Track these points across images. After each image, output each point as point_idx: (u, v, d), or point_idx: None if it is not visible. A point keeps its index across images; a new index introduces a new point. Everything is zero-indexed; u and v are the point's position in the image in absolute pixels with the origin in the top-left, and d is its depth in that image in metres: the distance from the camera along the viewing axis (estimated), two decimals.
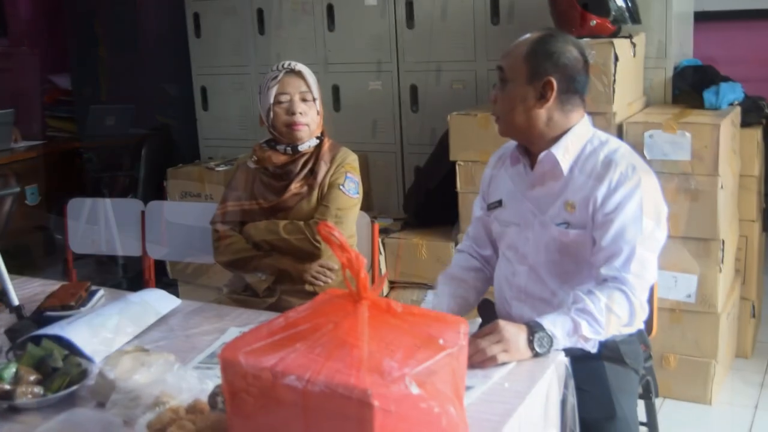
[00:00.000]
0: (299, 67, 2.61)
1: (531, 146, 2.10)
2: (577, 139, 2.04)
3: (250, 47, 4.66)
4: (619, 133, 3.19)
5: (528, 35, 2.07)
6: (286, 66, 2.61)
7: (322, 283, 2.60)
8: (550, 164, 2.05)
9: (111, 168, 5.18)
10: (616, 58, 3.18)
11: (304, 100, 2.58)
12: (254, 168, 2.69)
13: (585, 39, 3.24)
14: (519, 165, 2.15)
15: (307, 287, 2.60)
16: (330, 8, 4.35)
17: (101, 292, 2.34)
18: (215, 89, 4.85)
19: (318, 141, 2.66)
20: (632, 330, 1.99)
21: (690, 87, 3.54)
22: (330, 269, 2.61)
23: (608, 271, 1.92)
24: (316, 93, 2.61)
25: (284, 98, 2.58)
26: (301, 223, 2.59)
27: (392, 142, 4.32)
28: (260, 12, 4.58)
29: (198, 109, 4.94)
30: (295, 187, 2.61)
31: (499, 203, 2.19)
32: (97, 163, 5.17)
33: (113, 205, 3.43)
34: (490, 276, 2.29)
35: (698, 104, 3.44)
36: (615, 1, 3.40)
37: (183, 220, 3.24)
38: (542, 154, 2.04)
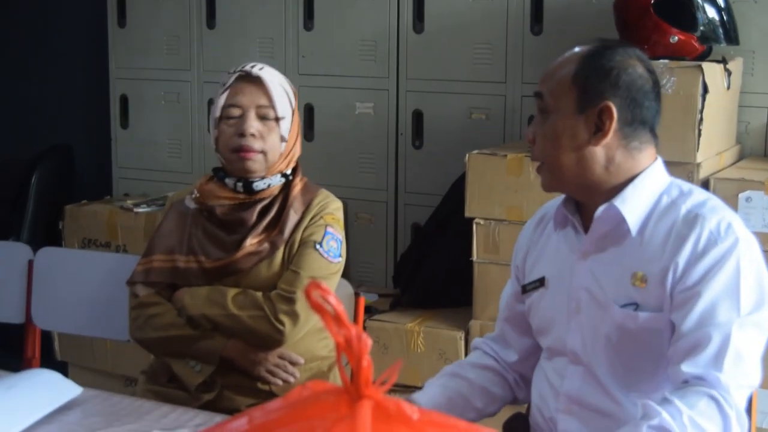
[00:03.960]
0: (260, 71, 2.60)
1: (585, 200, 2.09)
2: (648, 189, 2.03)
3: (194, 45, 4.67)
4: None
5: (576, 49, 2.07)
6: (243, 68, 2.60)
7: (280, 382, 2.56)
8: (612, 222, 2.03)
9: None
10: (705, 89, 3.18)
11: (262, 117, 2.58)
12: (195, 210, 2.65)
13: (662, 60, 3.25)
14: (567, 228, 2.14)
15: (260, 385, 2.56)
16: None
17: None
18: (140, 100, 4.84)
19: (285, 180, 2.64)
20: None
21: None
22: (293, 363, 2.58)
23: (692, 368, 1.88)
24: (282, 110, 2.59)
25: (234, 112, 2.58)
26: (258, 294, 2.55)
27: (383, 188, 4.31)
28: None
29: (114, 125, 4.91)
30: (251, 243, 2.58)
31: (541, 283, 2.17)
32: None
33: None
34: (515, 383, 2.28)
35: None
36: (705, 12, 3.42)
37: (85, 277, 3.18)
38: (600, 209, 2.02)
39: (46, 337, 3.88)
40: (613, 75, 2.00)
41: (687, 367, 1.88)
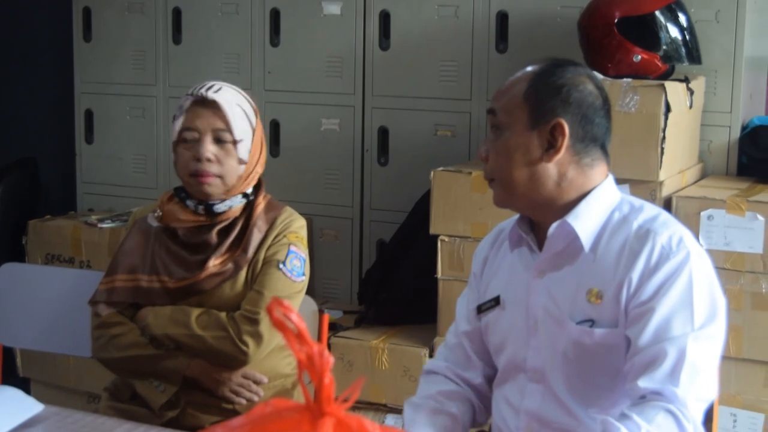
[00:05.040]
0: (216, 93, 2.55)
1: (538, 217, 2.10)
2: (600, 205, 2.05)
3: (160, 60, 4.66)
4: (667, 210, 3.19)
5: (528, 68, 2.10)
6: (197, 92, 2.56)
7: (244, 401, 2.56)
8: (566, 239, 2.04)
9: None
10: (668, 108, 3.21)
11: (218, 140, 2.55)
12: (157, 228, 2.65)
13: (625, 79, 3.28)
14: (522, 247, 2.15)
15: (224, 404, 2.56)
16: (275, 14, 4.38)
17: None
18: (105, 114, 4.82)
19: (245, 200, 2.64)
20: None
21: (762, 154, 3.59)
22: (257, 382, 2.58)
23: (649, 383, 1.89)
24: (240, 133, 2.56)
25: (190, 135, 2.55)
26: (222, 314, 2.55)
27: (349, 204, 4.31)
28: (177, 12, 4.60)
29: (79, 140, 4.89)
30: (215, 263, 2.57)
31: (496, 302, 2.17)
32: None
33: None
34: (480, 407, 2.25)
35: None
36: (668, 32, 3.45)
37: (48, 293, 3.16)
38: (553, 226, 2.04)
39: (8, 353, 3.86)
40: (563, 92, 2.03)
41: (644, 383, 1.89)
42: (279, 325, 1.29)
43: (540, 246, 2.10)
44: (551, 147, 2.01)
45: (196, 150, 2.53)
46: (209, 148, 2.53)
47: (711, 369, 1.93)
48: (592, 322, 2.00)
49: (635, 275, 1.96)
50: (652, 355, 1.90)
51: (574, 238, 2.03)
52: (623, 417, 1.85)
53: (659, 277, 1.94)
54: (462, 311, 2.29)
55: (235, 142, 2.55)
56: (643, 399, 1.89)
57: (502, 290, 2.16)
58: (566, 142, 2.01)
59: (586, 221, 2.02)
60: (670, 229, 1.99)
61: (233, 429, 1.33)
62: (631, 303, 1.96)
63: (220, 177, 2.55)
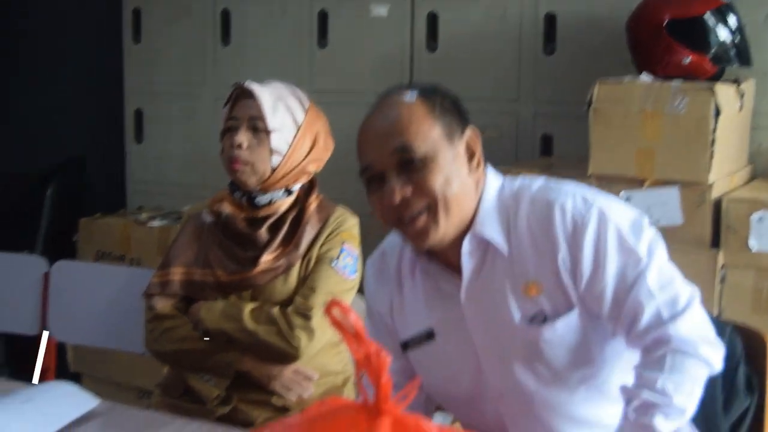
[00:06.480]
0: (254, 85, 2.60)
1: (452, 239, 1.98)
2: (492, 201, 1.97)
3: (208, 61, 4.69)
4: (717, 212, 3.17)
5: (393, 96, 2.00)
6: (245, 84, 2.61)
7: (294, 397, 2.58)
8: (480, 251, 1.97)
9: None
10: (718, 111, 3.18)
11: (253, 129, 2.58)
12: (211, 223, 2.67)
13: (674, 81, 3.25)
14: (431, 275, 2.05)
15: (275, 399, 2.57)
16: (323, 16, 4.39)
17: None
18: (155, 115, 4.87)
19: (287, 195, 2.66)
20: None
21: None
22: (308, 378, 2.59)
23: (641, 336, 1.88)
24: (275, 123, 2.57)
25: (233, 124, 2.61)
26: (275, 309, 2.56)
27: None
28: (226, 14, 4.63)
29: (129, 140, 4.94)
30: (267, 259, 2.59)
31: (429, 336, 2.06)
32: None
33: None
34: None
35: None
36: (717, 34, 3.42)
37: (99, 289, 3.20)
38: (466, 244, 1.96)
39: (60, 348, 3.90)
40: (455, 104, 1.97)
41: (637, 337, 1.88)
42: (337, 325, 1.30)
43: (452, 268, 2.01)
44: (471, 158, 1.95)
45: (233, 137, 2.58)
46: (243, 135, 2.57)
47: (681, 283, 1.90)
48: (544, 317, 1.93)
49: (564, 257, 1.90)
50: (629, 314, 1.88)
51: (486, 245, 1.96)
52: (637, 377, 1.85)
53: (588, 249, 1.89)
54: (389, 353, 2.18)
55: (268, 132, 2.57)
56: (646, 350, 1.87)
57: (430, 322, 2.05)
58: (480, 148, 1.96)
59: (490, 223, 1.95)
60: (563, 193, 1.93)
61: (290, 427, 1.34)
62: (579, 286, 1.91)
63: (250, 164, 2.57)
